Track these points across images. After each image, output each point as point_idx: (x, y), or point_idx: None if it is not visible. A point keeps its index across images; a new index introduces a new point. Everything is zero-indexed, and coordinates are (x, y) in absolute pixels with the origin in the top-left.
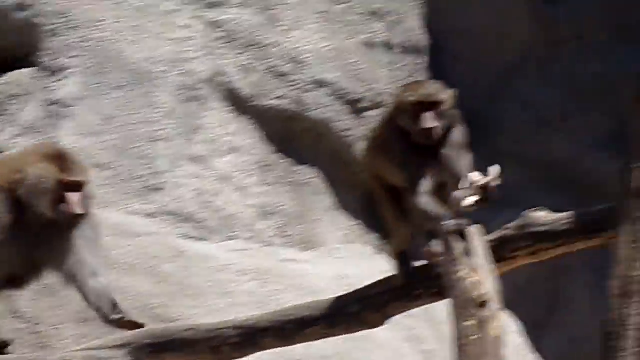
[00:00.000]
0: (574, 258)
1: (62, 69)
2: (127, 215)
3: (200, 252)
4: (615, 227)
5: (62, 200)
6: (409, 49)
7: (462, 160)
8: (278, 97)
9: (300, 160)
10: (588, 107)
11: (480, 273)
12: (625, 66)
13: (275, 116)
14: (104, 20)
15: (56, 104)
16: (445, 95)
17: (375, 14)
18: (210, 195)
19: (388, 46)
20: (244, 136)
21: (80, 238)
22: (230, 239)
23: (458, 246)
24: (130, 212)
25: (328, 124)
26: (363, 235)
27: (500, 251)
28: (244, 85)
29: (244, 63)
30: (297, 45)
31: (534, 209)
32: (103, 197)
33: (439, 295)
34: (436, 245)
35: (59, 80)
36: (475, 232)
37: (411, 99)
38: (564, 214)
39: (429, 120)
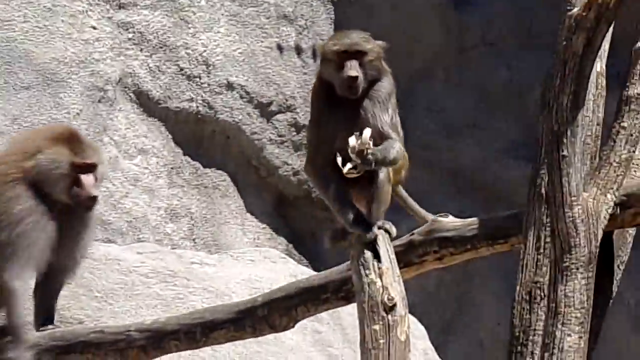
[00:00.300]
0: (482, 263)
1: None
2: None
3: (108, 254)
4: (521, 233)
5: (76, 183)
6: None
7: (384, 116)
8: (188, 100)
9: (210, 163)
10: (495, 114)
11: (387, 277)
12: (532, 73)
13: (185, 118)
14: (12, 20)
15: None
16: (371, 45)
17: (285, 18)
18: (119, 197)
19: (298, 50)
20: (153, 138)
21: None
22: (139, 241)
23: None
24: None
25: (237, 126)
26: (272, 238)
27: (407, 256)
28: (154, 87)
29: (153, 65)
30: (207, 48)
31: (441, 214)
32: None
33: (347, 299)
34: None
35: None
36: (382, 236)
37: (335, 47)
38: (471, 220)
39: (353, 69)
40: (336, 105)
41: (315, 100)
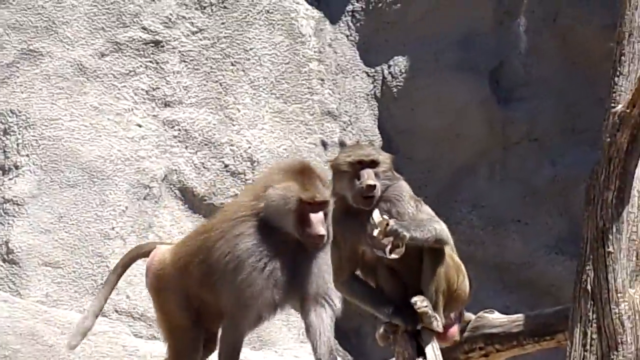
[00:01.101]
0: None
1: (15, 167)
2: (80, 314)
3: (153, 351)
4: (567, 329)
5: (304, 219)
6: None
7: (407, 211)
8: (232, 196)
9: None
10: (540, 209)
11: None
12: (577, 168)
13: None
14: (59, 118)
15: (9, 202)
16: (383, 155)
17: (329, 114)
18: None
19: (342, 145)
20: None
21: (319, 261)
22: None
23: (411, 345)
24: (83, 311)
25: None
26: None
27: (453, 352)
28: (199, 183)
29: (198, 161)
30: (251, 144)
31: (486, 310)
32: (55, 295)
33: None
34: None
35: (12, 178)
36: (429, 333)
37: (349, 159)
38: (516, 316)
39: (370, 178)
40: (353, 218)
41: (333, 221)
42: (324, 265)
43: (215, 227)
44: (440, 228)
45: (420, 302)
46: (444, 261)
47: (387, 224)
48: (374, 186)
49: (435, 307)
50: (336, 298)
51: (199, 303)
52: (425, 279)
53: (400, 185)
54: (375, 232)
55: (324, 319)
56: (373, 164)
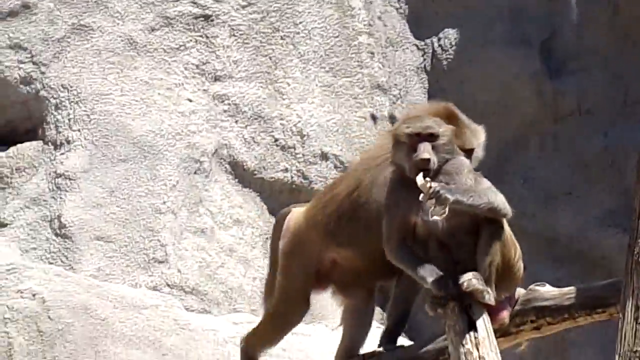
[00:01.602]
0: (580, 332)
1: (67, 142)
2: (131, 288)
3: (204, 324)
4: (619, 302)
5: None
6: None
7: (463, 185)
8: (282, 170)
9: None
10: (592, 182)
11: (484, 347)
12: (629, 141)
13: (280, 189)
14: (110, 93)
15: (61, 176)
16: (444, 128)
17: (379, 87)
18: (215, 267)
19: (392, 119)
20: (248, 208)
21: None
22: (234, 312)
23: (462, 319)
24: (135, 285)
25: None
26: None
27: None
28: (249, 157)
29: (248, 136)
30: (301, 118)
31: (538, 283)
32: (107, 270)
33: None
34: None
35: (64, 153)
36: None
37: (407, 130)
38: (568, 289)
39: (425, 152)
40: (408, 188)
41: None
42: None
43: (355, 177)
44: (495, 199)
45: (467, 282)
46: (502, 236)
47: (430, 187)
48: (429, 160)
49: (487, 282)
50: None
51: (329, 265)
52: (480, 251)
53: (460, 160)
54: (421, 197)
55: None
56: (432, 137)
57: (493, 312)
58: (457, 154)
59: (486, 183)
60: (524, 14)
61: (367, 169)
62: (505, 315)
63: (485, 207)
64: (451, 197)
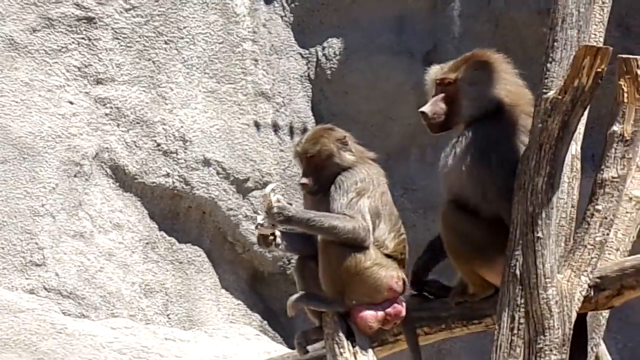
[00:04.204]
0: (456, 343)
1: None
2: (8, 291)
3: (82, 329)
4: (495, 313)
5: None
6: (296, 131)
7: (342, 199)
8: (164, 175)
9: (185, 239)
10: None
11: (361, 356)
12: None
13: (161, 194)
14: None
15: None
16: (319, 146)
17: (262, 95)
18: (93, 271)
19: (275, 127)
20: (129, 213)
21: None
22: (112, 316)
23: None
24: (11, 288)
25: (214, 202)
26: (246, 315)
27: (382, 335)
28: (130, 162)
29: (130, 140)
30: (184, 124)
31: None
32: None
33: None
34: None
35: None
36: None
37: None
38: (445, 299)
39: (303, 177)
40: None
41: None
42: None
43: None
44: (334, 220)
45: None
46: (334, 260)
47: (270, 200)
48: (306, 184)
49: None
50: None
51: None
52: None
53: (349, 173)
54: (261, 206)
55: None
56: (311, 158)
57: (356, 316)
58: (346, 163)
59: (359, 207)
60: (407, 26)
61: None
62: (369, 317)
63: (325, 232)
64: (279, 219)
